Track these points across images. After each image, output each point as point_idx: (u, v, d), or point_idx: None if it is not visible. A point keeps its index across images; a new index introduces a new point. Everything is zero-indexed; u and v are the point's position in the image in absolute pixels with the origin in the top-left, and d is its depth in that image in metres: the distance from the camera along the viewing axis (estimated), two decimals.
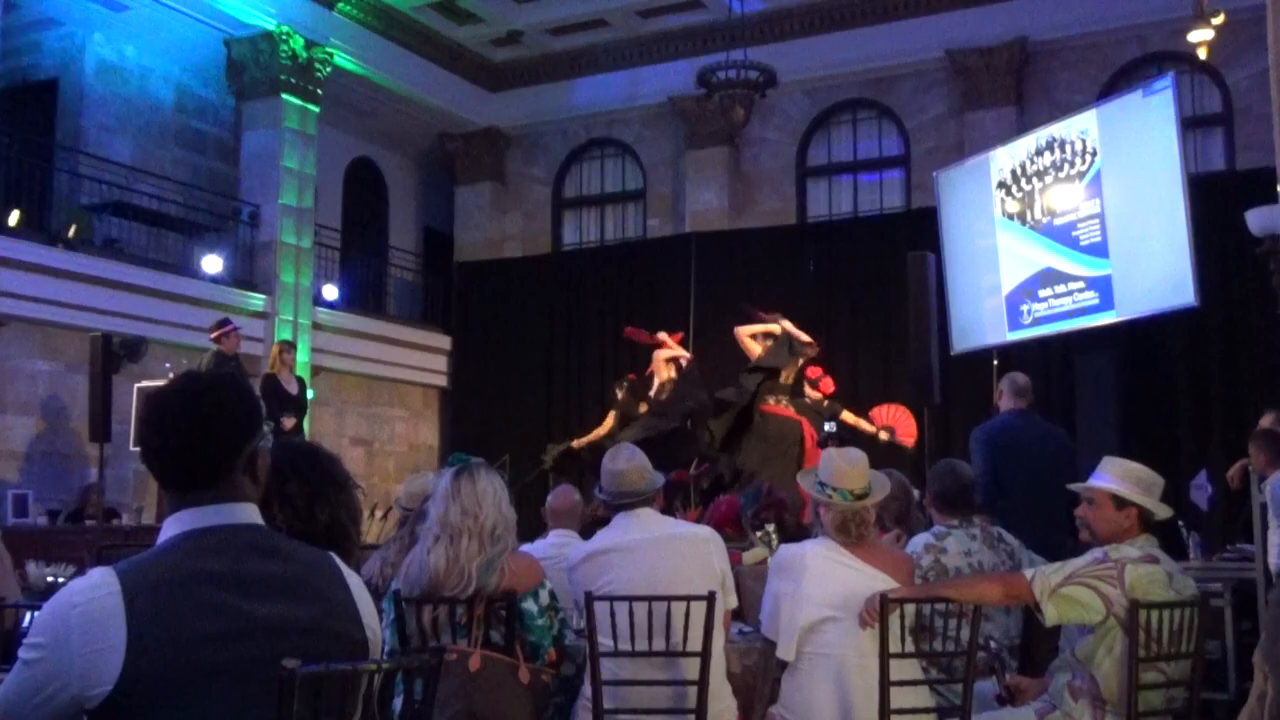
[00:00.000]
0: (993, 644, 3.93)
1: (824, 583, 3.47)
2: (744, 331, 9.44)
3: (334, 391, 12.96)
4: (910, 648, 3.46)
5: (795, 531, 7.57)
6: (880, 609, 3.33)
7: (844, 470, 3.57)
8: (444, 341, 14.38)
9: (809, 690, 3.45)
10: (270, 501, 2.16)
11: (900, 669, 3.34)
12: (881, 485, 3.65)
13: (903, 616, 3.40)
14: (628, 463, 3.85)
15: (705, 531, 3.94)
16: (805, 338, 9.15)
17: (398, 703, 2.90)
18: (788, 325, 9.15)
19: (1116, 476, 3.51)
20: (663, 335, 9.96)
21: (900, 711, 3.28)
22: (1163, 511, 3.51)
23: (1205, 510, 7.51)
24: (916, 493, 5.67)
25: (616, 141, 14.40)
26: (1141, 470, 3.53)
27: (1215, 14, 7.81)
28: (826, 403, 9.31)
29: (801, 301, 11.70)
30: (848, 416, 9.24)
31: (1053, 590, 3.31)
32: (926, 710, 3.44)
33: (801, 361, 9.13)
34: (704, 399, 9.28)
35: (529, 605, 3.53)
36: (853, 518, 3.54)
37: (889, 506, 4.33)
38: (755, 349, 9.23)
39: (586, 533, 4.74)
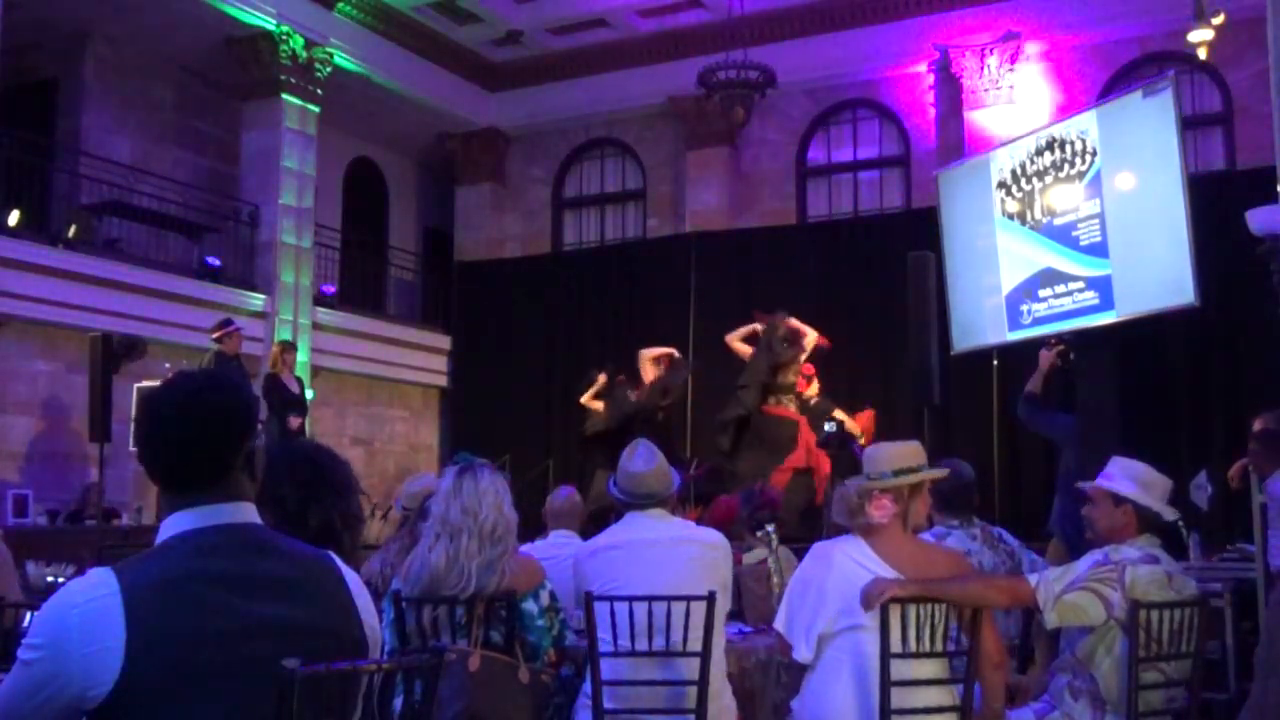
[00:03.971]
0: None
1: (847, 587, 3.27)
2: (732, 338, 9.54)
3: (334, 391, 12.96)
4: (927, 646, 3.26)
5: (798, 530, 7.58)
6: (882, 606, 3.23)
7: (888, 453, 3.40)
8: (444, 341, 14.37)
9: (831, 691, 3.31)
10: (263, 502, 2.16)
11: (920, 668, 3.24)
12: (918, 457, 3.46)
13: (918, 614, 3.22)
14: (646, 465, 3.81)
15: (715, 537, 3.88)
16: (809, 331, 9.22)
17: (398, 703, 2.90)
18: (793, 322, 9.21)
19: (1116, 474, 3.53)
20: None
21: (900, 711, 3.24)
22: (1166, 512, 3.49)
23: (1205, 510, 7.48)
24: None
25: (616, 141, 14.40)
26: (1143, 469, 3.53)
27: (1215, 14, 7.80)
28: (815, 400, 9.34)
29: (801, 301, 11.67)
30: (840, 414, 9.27)
31: (1056, 598, 3.30)
32: (931, 711, 3.38)
33: (801, 357, 9.17)
34: (683, 380, 9.86)
35: (529, 606, 3.53)
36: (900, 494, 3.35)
37: None
38: (745, 351, 9.32)
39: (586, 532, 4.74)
